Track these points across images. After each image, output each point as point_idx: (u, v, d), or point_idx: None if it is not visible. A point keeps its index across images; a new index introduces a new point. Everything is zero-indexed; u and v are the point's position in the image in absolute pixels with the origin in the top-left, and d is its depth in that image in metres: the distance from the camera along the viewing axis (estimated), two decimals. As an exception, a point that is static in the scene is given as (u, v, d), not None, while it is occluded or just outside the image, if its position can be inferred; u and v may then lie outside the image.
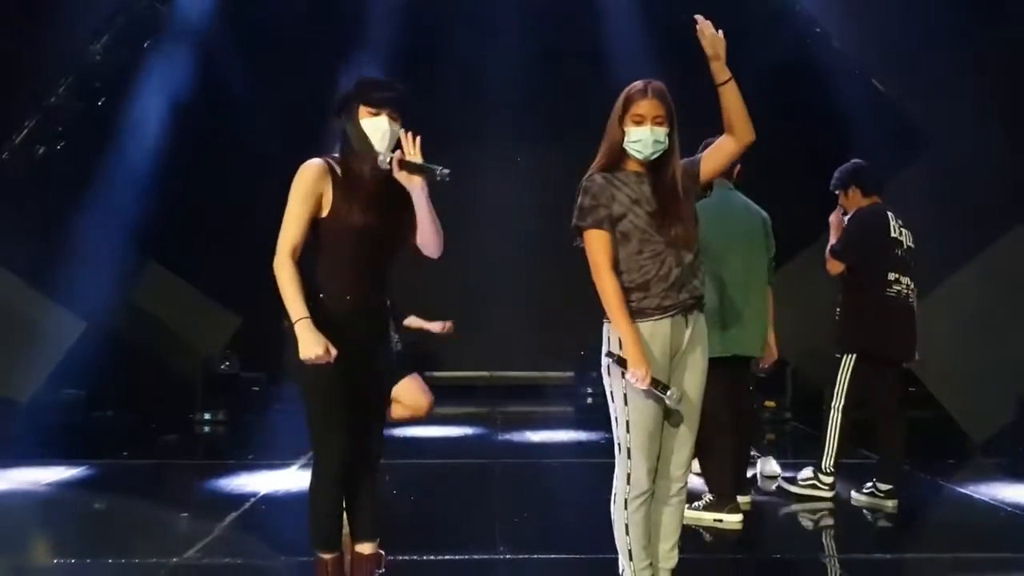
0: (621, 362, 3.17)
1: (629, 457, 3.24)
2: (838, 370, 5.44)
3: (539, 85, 9.26)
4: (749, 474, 5.84)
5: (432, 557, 4.34)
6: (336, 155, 3.35)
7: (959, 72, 7.35)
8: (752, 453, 6.05)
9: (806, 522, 5.35)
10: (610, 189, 3.23)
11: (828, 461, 5.44)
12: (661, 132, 3.21)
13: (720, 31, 3.22)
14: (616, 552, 3.36)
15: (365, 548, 3.49)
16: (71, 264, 7.72)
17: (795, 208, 9.68)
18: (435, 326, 5.65)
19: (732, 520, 4.85)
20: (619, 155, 3.28)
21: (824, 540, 4.84)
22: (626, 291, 3.20)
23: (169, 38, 8.61)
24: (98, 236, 8.24)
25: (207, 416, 8.71)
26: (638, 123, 3.21)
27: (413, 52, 8.77)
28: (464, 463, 6.88)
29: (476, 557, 4.35)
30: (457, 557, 4.34)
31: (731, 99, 3.22)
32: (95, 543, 4.64)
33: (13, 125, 8.12)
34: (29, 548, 4.69)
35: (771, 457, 6.03)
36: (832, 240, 5.51)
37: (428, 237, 3.32)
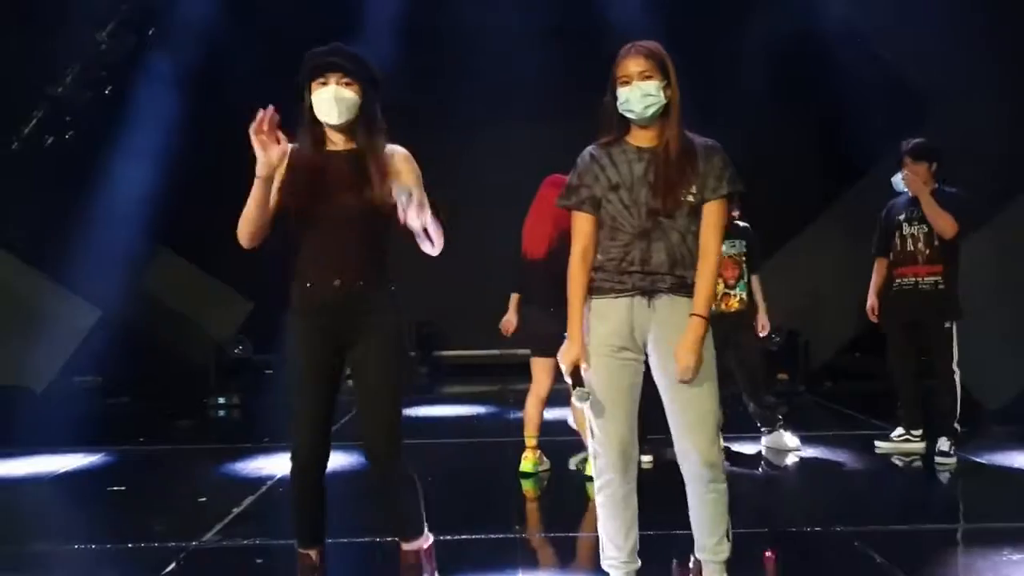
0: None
1: (592, 438, 3.19)
2: (952, 338, 5.60)
3: (543, 62, 9.22)
4: (755, 449, 5.99)
5: (448, 537, 4.35)
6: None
7: (962, 40, 7.29)
8: (763, 429, 6.08)
9: (819, 494, 5.37)
10: (595, 168, 3.13)
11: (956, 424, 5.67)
12: (650, 85, 3.04)
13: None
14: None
15: (404, 545, 3.37)
16: (83, 253, 7.78)
17: (803, 180, 9.69)
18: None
19: (645, 460, 5.01)
20: (619, 126, 3.14)
21: (840, 511, 4.83)
22: (594, 270, 3.15)
23: (173, 24, 8.62)
24: (109, 224, 8.28)
25: (221, 400, 8.77)
26: (625, 83, 3.07)
27: (418, 31, 8.75)
28: (476, 442, 6.91)
29: (491, 536, 4.37)
30: (472, 536, 4.37)
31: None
32: (113, 528, 4.70)
33: (22, 115, 8.15)
34: (48, 534, 4.73)
35: (782, 431, 6.03)
36: (931, 200, 5.51)
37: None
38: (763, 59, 8.81)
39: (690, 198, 3.09)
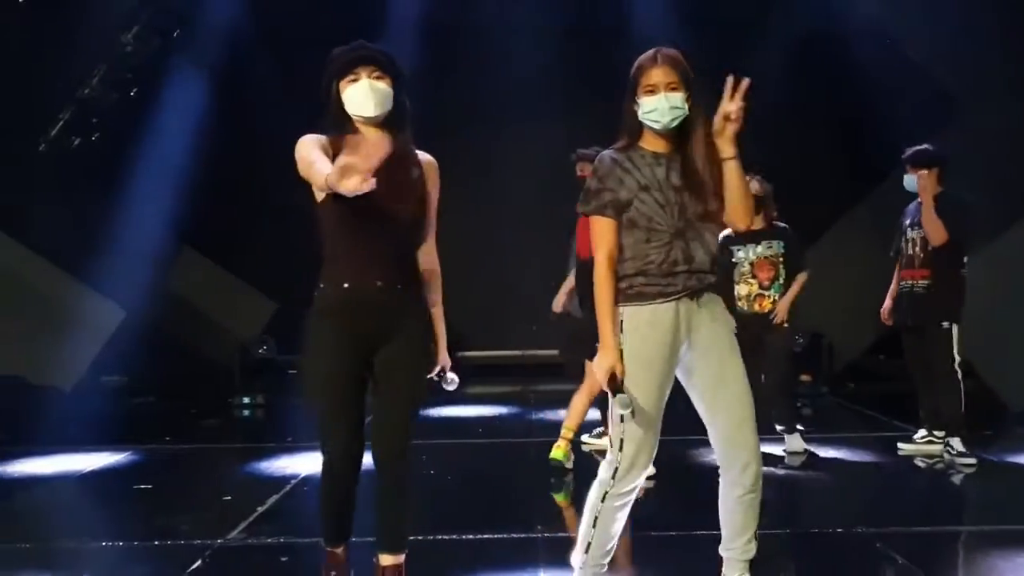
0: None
1: (621, 450, 3.07)
2: (950, 340, 5.65)
3: (566, 61, 9.23)
4: (779, 451, 5.94)
5: (470, 536, 4.39)
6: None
7: (989, 40, 7.25)
8: (779, 428, 6.07)
9: (842, 495, 5.35)
10: (618, 172, 3.08)
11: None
12: (677, 98, 3.03)
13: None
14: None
15: (385, 559, 3.24)
16: (109, 253, 7.87)
17: (827, 182, 9.64)
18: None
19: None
20: (637, 132, 3.12)
21: (862, 512, 4.82)
22: (628, 276, 3.09)
23: (198, 26, 8.70)
24: (135, 225, 8.36)
25: (246, 400, 8.83)
26: (650, 92, 3.04)
27: (439, 30, 8.78)
28: (498, 442, 6.93)
29: (513, 536, 4.39)
30: (494, 536, 4.39)
31: (732, 178, 3.08)
32: (140, 526, 4.74)
33: (49, 117, 8.25)
34: (76, 532, 4.79)
35: (798, 435, 6.01)
36: (929, 206, 5.57)
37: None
38: (786, 59, 8.78)
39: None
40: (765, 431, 6.05)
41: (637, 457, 3.08)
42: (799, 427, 6.03)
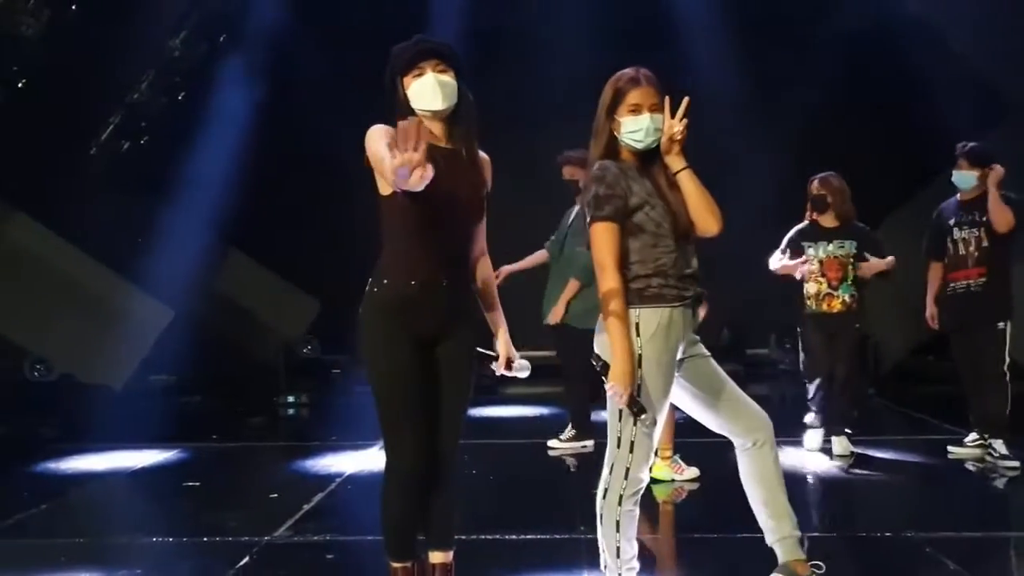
0: (604, 370, 3.00)
1: (631, 452, 3.05)
2: (1004, 340, 5.59)
3: (606, 61, 9.19)
4: (825, 453, 5.94)
5: (514, 536, 4.40)
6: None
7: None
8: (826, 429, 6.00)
9: (890, 498, 5.29)
10: (625, 180, 3.07)
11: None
12: (660, 119, 3.07)
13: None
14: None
15: (436, 557, 3.19)
16: (158, 254, 7.99)
17: (875, 181, 9.51)
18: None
19: (590, 443, 6.16)
20: (614, 150, 3.14)
21: (912, 516, 4.76)
22: (643, 277, 3.06)
23: (245, 30, 8.80)
24: (183, 227, 8.49)
25: (291, 399, 8.93)
26: (635, 112, 3.07)
27: (484, 31, 8.80)
28: (540, 443, 6.92)
29: (556, 536, 4.39)
30: (538, 536, 4.39)
31: (689, 188, 3.10)
32: (189, 522, 4.82)
33: (99, 121, 8.40)
34: (127, 527, 4.88)
35: (845, 437, 5.94)
36: (996, 195, 5.52)
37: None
38: (833, 59, 8.70)
39: None
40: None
41: (645, 457, 3.10)
42: (847, 430, 5.97)
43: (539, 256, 6.56)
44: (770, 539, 3.26)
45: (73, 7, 7.59)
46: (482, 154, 3.22)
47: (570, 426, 6.40)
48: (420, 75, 3.01)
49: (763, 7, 8.75)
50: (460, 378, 3.14)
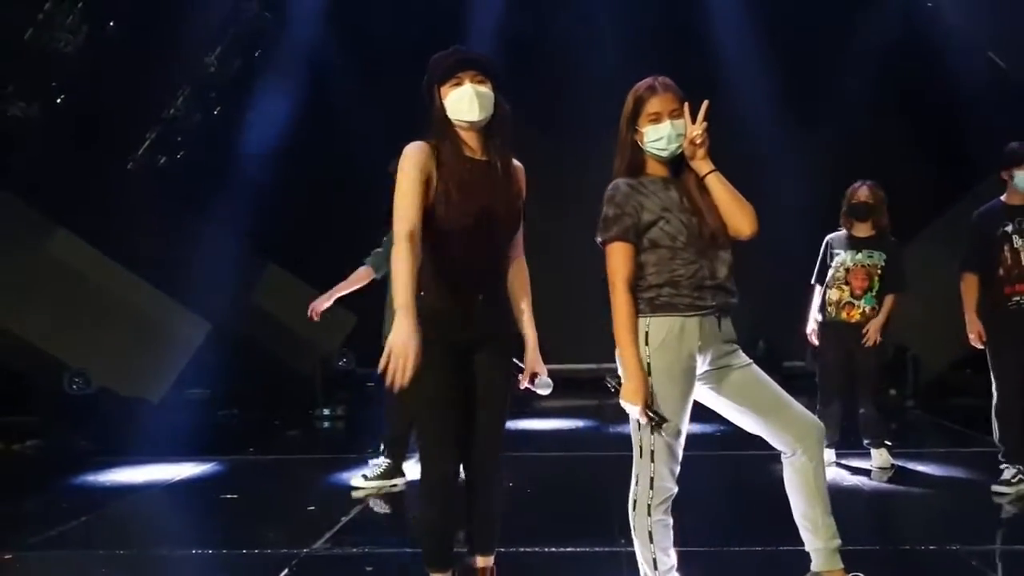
0: (618, 389, 3.03)
1: (653, 460, 3.04)
2: None
3: (641, 67, 9.19)
4: (868, 464, 5.87)
5: (553, 549, 4.38)
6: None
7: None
8: (866, 442, 5.92)
9: (933, 511, 5.21)
10: (636, 197, 3.06)
11: None
12: (681, 125, 3.07)
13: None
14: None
15: (478, 561, 3.31)
16: (196, 268, 8.04)
17: (912, 192, 9.41)
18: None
19: (401, 481, 5.52)
20: (639, 161, 3.13)
21: (956, 530, 4.67)
22: (655, 287, 3.05)
23: (279, 46, 8.88)
24: (219, 240, 8.56)
25: (327, 412, 8.97)
26: (655, 121, 3.07)
27: (520, 39, 8.83)
28: (577, 455, 6.90)
29: (596, 549, 4.36)
30: (578, 549, 4.37)
31: (718, 191, 3.08)
32: (227, 534, 4.83)
33: (136, 136, 8.50)
34: (166, 540, 4.91)
35: (885, 449, 5.87)
36: None
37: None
38: (872, 66, 8.64)
39: None
40: (852, 445, 6.00)
41: (669, 466, 3.07)
42: (887, 442, 5.89)
43: (361, 274, 5.82)
44: (808, 547, 3.24)
45: (111, 23, 7.70)
46: (516, 163, 3.24)
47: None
48: (458, 84, 3.04)
49: (800, 16, 8.69)
50: (495, 390, 3.17)
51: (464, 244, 3.04)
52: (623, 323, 3.03)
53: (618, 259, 3.07)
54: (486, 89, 3.06)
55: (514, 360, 3.25)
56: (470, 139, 3.11)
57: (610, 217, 3.08)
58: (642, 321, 3.05)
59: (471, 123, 3.07)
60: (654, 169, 3.15)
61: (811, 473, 3.15)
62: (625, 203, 3.06)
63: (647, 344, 3.03)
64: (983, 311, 5.25)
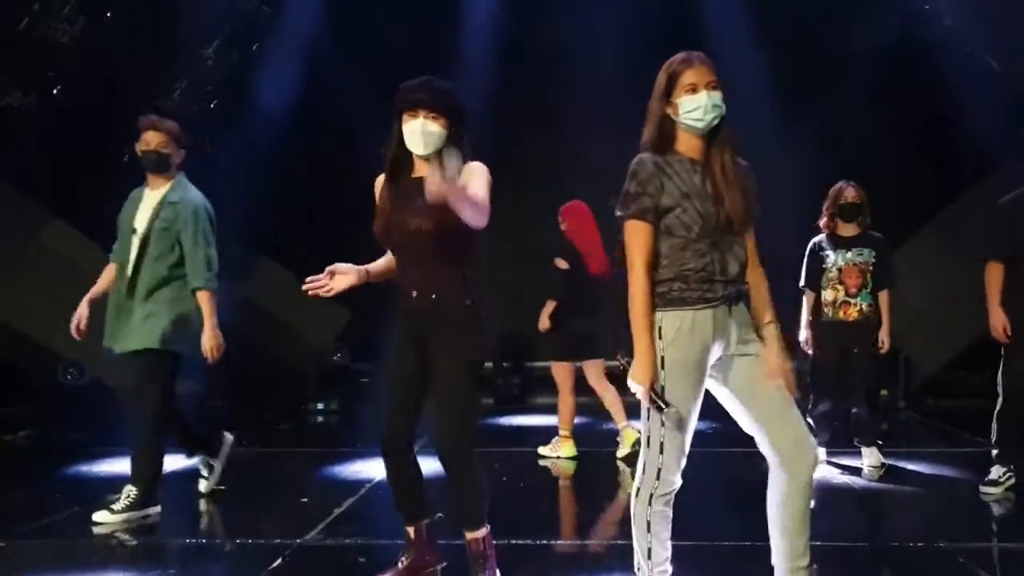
0: (627, 368, 3.05)
1: (661, 452, 3.04)
2: None
3: (640, 76, 9.22)
4: (859, 463, 5.90)
5: (546, 542, 4.40)
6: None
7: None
8: (856, 441, 5.96)
9: (923, 509, 5.25)
10: (660, 177, 3.01)
11: None
12: (717, 96, 3.01)
13: None
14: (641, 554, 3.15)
15: (465, 535, 3.63)
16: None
17: (905, 193, 9.47)
18: None
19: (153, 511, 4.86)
20: (670, 136, 3.07)
21: (944, 527, 4.70)
22: (666, 280, 3.03)
23: (276, 40, 8.88)
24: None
25: (320, 406, 8.98)
26: (692, 91, 3.00)
27: (516, 50, 8.84)
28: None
29: (591, 542, 4.38)
30: (574, 542, 4.39)
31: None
32: (220, 525, 4.87)
33: (132, 128, 8.48)
34: (159, 529, 4.90)
35: (876, 448, 5.90)
36: None
37: (469, 219, 3.25)
38: (867, 66, 8.67)
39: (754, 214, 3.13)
40: (843, 444, 6.04)
41: (677, 459, 3.07)
42: (878, 441, 5.93)
43: (107, 273, 5.22)
44: (774, 560, 3.19)
45: (108, 15, 7.70)
46: (475, 163, 3.45)
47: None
48: (414, 116, 3.39)
49: (799, 21, 8.72)
50: (441, 379, 3.51)
51: (400, 250, 3.55)
52: (638, 304, 3.01)
53: (635, 237, 3.03)
54: (437, 127, 3.39)
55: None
56: (420, 161, 3.48)
57: (631, 194, 3.03)
58: (656, 315, 3.04)
59: (416, 154, 3.46)
60: (684, 147, 3.08)
61: (789, 496, 3.07)
62: (648, 182, 3.01)
63: (660, 338, 3.02)
64: (1009, 301, 5.02)
